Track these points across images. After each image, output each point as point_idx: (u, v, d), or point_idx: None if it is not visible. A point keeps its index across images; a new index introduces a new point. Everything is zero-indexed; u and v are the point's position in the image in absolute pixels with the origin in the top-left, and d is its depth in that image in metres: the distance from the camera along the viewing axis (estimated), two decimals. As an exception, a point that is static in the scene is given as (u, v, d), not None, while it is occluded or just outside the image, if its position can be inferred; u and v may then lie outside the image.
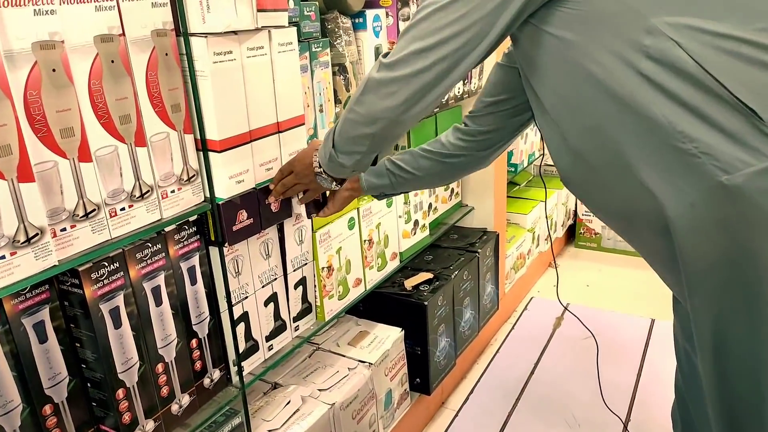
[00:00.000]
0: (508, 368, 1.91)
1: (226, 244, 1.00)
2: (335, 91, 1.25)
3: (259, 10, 0.92)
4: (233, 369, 1.07)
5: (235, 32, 0.92)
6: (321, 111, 1.20)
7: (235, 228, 0.99)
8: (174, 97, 0.88)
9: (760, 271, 0.66)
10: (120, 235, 0.84)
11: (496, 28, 0.73)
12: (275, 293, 1.16)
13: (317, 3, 1.15)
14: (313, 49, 1.15)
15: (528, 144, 2.33)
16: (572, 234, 2.85)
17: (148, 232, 0.87)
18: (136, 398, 0.89)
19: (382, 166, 1.09)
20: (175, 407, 0.97)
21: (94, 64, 0.77)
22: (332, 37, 1.23)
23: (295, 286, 1.21)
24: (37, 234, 0.72)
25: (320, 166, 0.96)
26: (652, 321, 2.11)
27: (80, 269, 0.80)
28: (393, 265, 1.54)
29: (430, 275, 1.62)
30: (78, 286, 0.81)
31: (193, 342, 0.99)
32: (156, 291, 0.91)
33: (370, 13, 1.30)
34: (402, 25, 1.39)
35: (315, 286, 1.27)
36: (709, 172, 0.65)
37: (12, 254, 0.70)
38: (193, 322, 0.99)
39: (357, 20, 1.30)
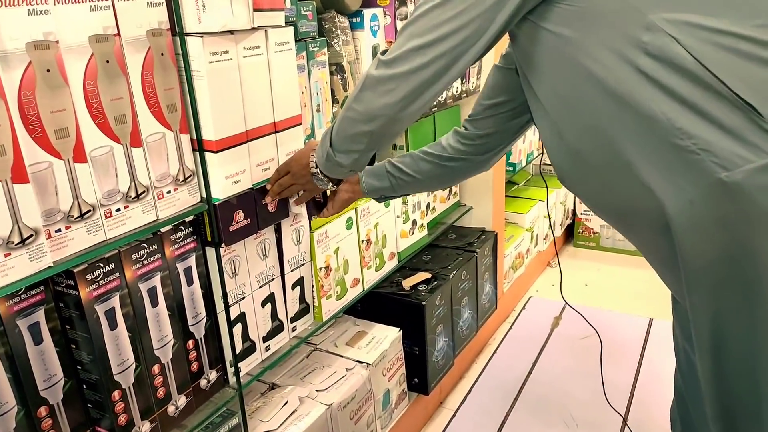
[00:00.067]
0: (506, 368, 1.91)
1: (223, 245, 0.99)
2: (332, 91, 1.25)
3: (255, 10, 0.91)
4: (230, 370, 1.07)
5: (231, 32, 0.91)
6: (318, 111, 1.20)
7: (231, 228, 0.99)
8: (170, 97, 0.88)
9: (759, 269, 0.66)
10: (115, 236, 0.83)
11: (495, 24, 0.73)
12: (272, 294, 1.16)
13: (314, 2, 1.14)
14: (310, 49, 1.14)
15: (526, 143, 2.33)
16: (571, 233, 2.85)
17: (143, 232, 0.87)
18: (132, 400, 0.89)
19: (382, 169, 1.09)
20: (171, 408, 0.96)
21: (89, 64, 0.77)
22: (329, 37, 1.22)
23: (293, 287, 1.21)
24: (31, 235, 0.72)
25: (317, 167, 0.96)
26: (651, 320, 2.11)
27: (75, 270, 0.80)
28: (391, 265, 1.54)
29: (428, 275, 1.62)
30: (73, 288, 0.81)
31: (190, 343, 0.99)
32: (152, 292, 0.90)
33: (367, 13, 1.29)
34: (400, 25, 1.38)
35: (313, 286, 1.26)
36: (708, 169, 0.65)
37: (6, 255, 0.70)
38: (189, 323, 0.98)
39: (354, 20, 1.29)
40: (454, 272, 1.67)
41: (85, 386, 0.87)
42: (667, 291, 0.88)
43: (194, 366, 1.00)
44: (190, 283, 0.97)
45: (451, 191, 1.92)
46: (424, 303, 1.50)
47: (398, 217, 1.54)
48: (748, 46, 0.64)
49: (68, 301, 0.82)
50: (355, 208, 1.36)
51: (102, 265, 0.83)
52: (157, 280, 0.91)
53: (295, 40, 1.07)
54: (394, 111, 0.79)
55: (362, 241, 1.41)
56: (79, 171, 0.77)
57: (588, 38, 0.70)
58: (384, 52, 0.80)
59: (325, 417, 1.22)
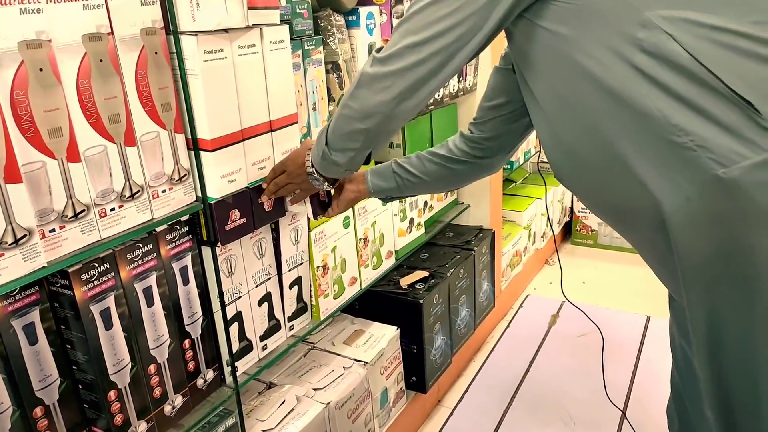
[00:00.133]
0: (503, 366, 1.91)
1: (219, 244, 0.99)
2: (328, 90, 1.24)
3: (249, 8, 0.91)
4: (227, 369, 1.07)
5: (225, 30, 0.91)
6: (314, 109, 1.20)
7: (227, 227, 0.99)
8: (164, 96, 0.87)
9: (756, 266, 0.65)
10: (110, 235, 0.83)
11: (490, 22, 0.73)
12: (269, 293, 1.15)
13: (310, 0, 1.14)
14: (306, 47, 1.14)
15: (524, 141, 2.32)
16: (568, 231, 2.85)
17: (138, 232, 0.86)
18: (128, 399, 0.89)
19: (388, 169, 1.08)
20: (167, 408, 0.96)
21: (83, 63, 0.76)
22: (325, 35, 1.22)
23: (290, 286, 1.21)
24: (25, 235, 0.72)
25: (312, 166, 0.96)
26: (648, 318, 2.11)
27: (70, 270, 0.79)
28: (389, 263, 1.54)
29: (425, 273, 1.61)
30: (68, 288, 0.80)
31: (186, 342, 0.99)
32: (147, 291, 0.90)
33: (363, 11, 1.29)
34: (396, 23, 1.38)
35: (310, 285, 1.26)
36: (705, 165, 0.65)
37: (0, 256, 0.70)
38: (185, 323, 0.98)
39: (350, 18, 1.29)
40: (452, 270, 1.66)
41: (80, 386, 0.86)
42: (665, 288, 0.88)
43: (191, 365, 1.00)
44: (185, 282, 0.97)
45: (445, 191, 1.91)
46: (421, 301, 1.50)
47: (396, 215, 1.54)
48: (744, 42, 0.64)
49: (63, 301, 0.82)
50: (353, 207, 1.35)
51: (97, 265, 0.82)
52: (152, 280, 0.91)
53: (291, 39, 1.07)
54: (390, 108, 0.79)
55: (360, 239, 1.40)
56: (73, 170, 0.77)
57: (584, 36, 0.70)
58: (379, 50, 0.79)
59: (322, 416, 1.21)
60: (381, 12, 1.36)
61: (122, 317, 0.86)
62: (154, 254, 0.91)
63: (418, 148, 1.66)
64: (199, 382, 1.02)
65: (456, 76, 1.70)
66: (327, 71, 1.23)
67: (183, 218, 0.95)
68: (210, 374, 1.04)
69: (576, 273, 2.50)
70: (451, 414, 1.71)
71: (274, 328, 1.18)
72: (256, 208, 1.04)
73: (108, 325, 0.85)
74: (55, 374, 0.82)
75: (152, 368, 0.93)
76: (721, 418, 0.75)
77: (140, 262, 0.89)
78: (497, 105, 0.99)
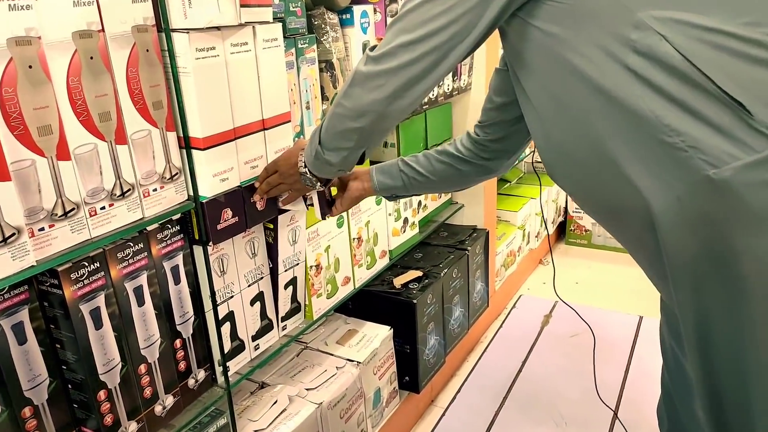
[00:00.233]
0: (496, 366, 1.91)
1: (211, 243, 0.98)
2: (322, 88, 1.24)
3: (242, 6, 0.90)
4: (218, 369, 1.06)
5: (218, 28, 0.90)
6: (308, 108, 1.19)
7: (219, 227, 0.98)
8: (156, 94, 0.87)
9: (744, 267, 0.66)
10: (100, 234, 0.82)
11: (484, 20, 0.73)
12: (261, 292, 1.15)
13: (303, -1, 1.14)
14: (299, 46, 1.14)
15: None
16: (562, 231, 2.85)
17: (129, 231, 0.86)
18: (118, 399, 0.88)
19: (395, 167, 1.08)
20: (158, 408, 0.96)
21: (73, 60, 0.76)
22: (319, 34, 1.22)
23: (285, 286, 1.20)
24: (13, 234, 0.71)
25: (305, 166, 0.95)
26: (641, 318, 2.12)
27: (59, 269, 0.79)
28: (382, 263, 1.54)
29: (419, 273, 1.61)
30: (57, 287, 0.80)
31: (177, 342, 0.98)
32: (138, 291, 0.90)
33: (357, 9, 1.28)
34: (390, 21, 1.38)
35: (303, 284, 1.26)
36: (696, 165, 0.65)
37: (-13, 254, 0.69)
38: (177, 322, 0.98)
39: (344, 16, 1.28)
40: (446, 270, 1.66)
41: (70, 386, 0.86)
42: (657, 289, 0.89)
43: (182, 365, 1.00)
44: (177, 281, 0.96)
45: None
46: (415, 301, 1.50)
47: (390, 215, 1.54)
48: (736, 43, 0.64)
49: (52, 301, 0.81)
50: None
51: (87, 264, 0.82)
52: (143, 279, 0.90)
53: (284, 37, 1.06)
54: (383, 107, 0.79)
55: (353, 239, 1.40)
56: (63, 169, 0.76)
57: (577, 36, 0.70)
58: (373, 48, 0.79)
59: (315, 416, 1.21)
60: (375, 11, 1.36)
61: (112, 317, 0.86)
62: (145, 253, 0.90)
63: (412, 147, 1.66)
64: (191, 382, 1.02)
65: (451, 76, 1.70)
66: (321, 70, 1.23)
67: (174, 217, 0.94)
68: (201, 374, 1.03)
69: (570, 273, 2.51)
70: (443, 414, 1.71)
71: (266, 328, 1.18)
72: (249, 207, 1.03)
73: (98, 324, 0.84)
74: (44, 374, 0.81)
75: (143, 368, 0.92)
76: (712, 418, 0.76)
77: (131, 261, 0.88)
78: (500, 106, 0.99)
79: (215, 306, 1.03)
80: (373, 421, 1.45)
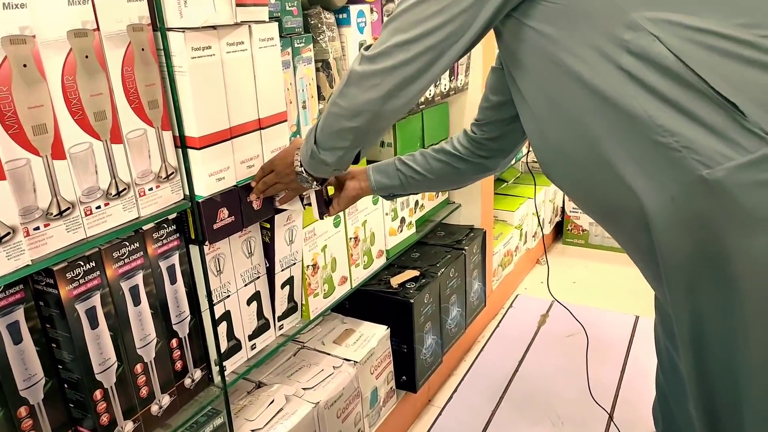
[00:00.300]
0: (492, 366, 1.91)
1: (207, 243, 0.98)
2: (318, 88, 1.24)
3: (238, 5, 0.90)
4: (215, 368, 1.06)
5: (214, 27, 0.90)
6: (304, 107, 1.19)
7: (215, 226, 0.98)
8: (151, 93, 0.87)
9: (737, 267, 0.66)
10: (96, 233, 0.82)
11: (479, 20, 0.73)
12: (258, 292, 1.15)
13: (300, -2, 1.14)
14: (296, 45, 1.13)
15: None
16: (560, 231, 2.86)
17: (125, 230, 0.86)
18: (114, 399, 0.88)
19: (392, 166, 1.08)
20: (154, 408, 0.95)
21: (68, 59, 0.76)
22: (315, 33, 1.21)
23: (282, 286, 1.20)
24: (9, 233, 0.71)
25: (301, 165, 0.95)
26: (637, 318, 2.12)
27: (55, 269, 0.79)
28: (379, 262, 1.54)
29: (416, 273, 1.61)
30: (53, 286, 0.79)
31: (173, 342, 0.98)
32: (134, 290, 0.89)
33: (354, 9, 1.28)
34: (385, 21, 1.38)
35: (300, 284, 1.26)
36: (690, 166, 0.65)
37: (-18, 254, 0.69)
38: (173, 322, 0.97)
39: (341, 16, 1.28)
40: (443, 270, 1.66)
41: (66, 386, 0.86)
42: (653, 288, 0.89)
43: (178, 365, 0.99)
44: (173, 281, 0.96)
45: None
46: (412, 301, 1.50)
47: (387, 214, 1.54)
48: (730, 45, 0.64)
49: (48, 300, 0.81)
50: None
51: (82, 264, 0.82)
52: (139, 279, 0.90)
53: (280, 36, 1.06)
54: (378, 106, 0.79)
55: (350, 238, 1.40)
56: (58, 168, 0.76)
57: (571, 36, 0.70)
58: (368, 48, 0.79)
59: (311, 415, 1.21)
60: (372, 10, 1.36)
61: (108, 316, 0.86)
62: (141, 253, 0.90)
63: (409, 147, 1.66)
64: (187, 381, 1.02)
65: (448, 76, 1.70)
66: (317, 69, 1.23)
67: (170, 216, 0.94)
68: (198, 374, 1.03)
69: (567, 273, 2.51)
70: (439, 413, 1.71)
71: (263, 328, 1.17)
72: (245, 206, 1.03)
73: (94, 324, 0.84)
74: (39, 373, 0.81)
75: (139, 368, 0.92)
76: (704, 418, 0.76)
77: (126, 260, 0.88)
78: (496, 105, 0.99)
79: (211, 305, 1.02)
80: (370, 421, 1.45)
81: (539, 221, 1.72)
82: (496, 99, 0.99)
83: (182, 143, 0.92)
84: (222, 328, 1.07)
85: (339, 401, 1.29)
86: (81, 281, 0.82)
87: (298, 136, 1.18)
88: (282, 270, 1.18)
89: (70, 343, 0.82)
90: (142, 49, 0.84)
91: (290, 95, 1.14)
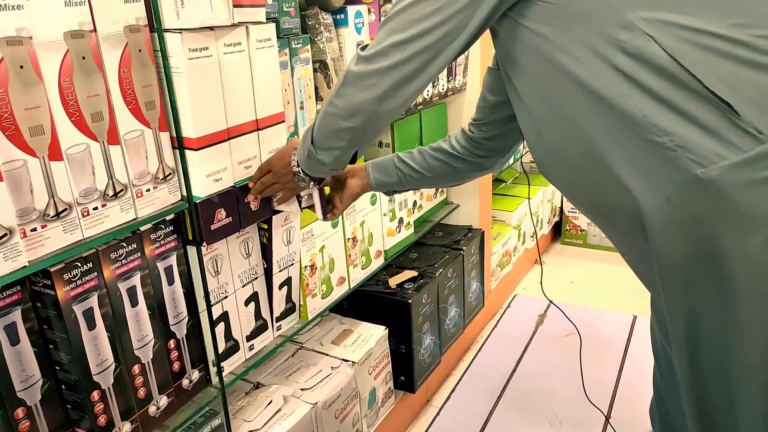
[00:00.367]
0: (490, 366, 1.91)
1: (204, 244, 0.98)
2: (316, 88, 1.24)
3: (235, 6, 0.90)
4: (213, 369, 1.06)
5: (211, 28, 0.91)
6: (302, 108, 1.19)
7: (213, 227, 0.98)
8: (148, 94, 0.87)
9: (731, 266, 0.66)
10: (93, 234, 0.82)
11: (475, 20, 0.73)
12: (256, 292, 1.15)
13: (297, -1, 1.14)
14: (293, 46, 1.14)
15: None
16: (558, 231, 2.86)
17: (122, 231, 0.86)
18: (111, 400, 0.88)
19: (390, 164, 1.09)
20: (152, 409, 0.95)
21: (65, 60, 0.76)
22: (313, 34, 1.22)
23: (280, 287, 1.20)
24: (6, 234, 0.71)
25: (298, 165, 0.95)
26: (635, 317, 2.12)
27: (52, 270, 0.79)
28: (377, 263, 1.54)
29: (414, 273, 1.61)
30: (50, 287, 0.79)
31: (171, 342, 0.98)
32: (131, 291, 0.89)
33: (351, 10, 1.28)
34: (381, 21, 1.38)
35: (298, 284, 1.26)
36: (685, 165, 0.65)
37: (-21, 255, 0.69)
38: (170, 323, 0.97)
39: (338, 16, 1.28)
40: (441, 270, 1.67)
41: (63, 387, 0.86)
42: (651, 288, 0.89)
43: (176, 366, 0.99)
44: (171, 282, 0.96)
45: (437, 189, 1.92)
46: (410, 301, 1.50)
47: (385, 215, 1.54)
48: (724, 44, 0.64)
49: (45, 301, 0.81)
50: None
51: (79, 265, 0.82)
52: (136, 280, 0.90)
53: (278, 37, 1.06)
54: (375, 106, 0.79)
55: (348, 239, 1.40)
56: (55, 169, 0.76)
57: (566, 36, 0.70)
58: (364, 47, 0.79)
59: (309, 416, 1.21)
60: (369, 11, 1.36)
61: (106, 317, 0.86)
62: (138, 254, 0.90)
63: (407, 147, 1.65)
64: (185, 382, 1.02)
65: (446, 76, 1.70)
66: (315, 70, 1.23)
67: (168, 217, 0.94)
68: (195, 374, 1.03)
69: (565, 273, 2.51)
70: (437, 414, 1.71)
71: (261, 328, 1.18)
72: (243, 207, 1.03)
73: (91, 325, 0.84)
74: (37, 375, 0.81)
75: (136, 369, 0.92)
76: (698, 418, 0.76)
77: (124, 261, 0.88)
78: (493, 105, 1.00)
79: (209, 306, 1.03)
80: (368, 421, 1.45)
81: (533, 223, 1.72)
82: (493, 99, 0.99)
83: (179, 144, 0.92)
84: (220, 328, 1.07)
85: (337, 402, 1.29)
86: (78, 282, 0.82)
87: (295, 136, 1.18)
88: (280, 270, 1.18)
89: (67, 344, 0.82)
90: (139, 50, 0.84)
91: (288, 96, 1.15)
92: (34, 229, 0.75)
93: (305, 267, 1.26)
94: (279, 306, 1.21)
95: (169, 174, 0.92)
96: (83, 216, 0.81)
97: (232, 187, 1.01)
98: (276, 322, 1.21)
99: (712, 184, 0.64)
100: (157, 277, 0.94)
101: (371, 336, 1.45)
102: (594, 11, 0.68)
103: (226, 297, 1.08)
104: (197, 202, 0.95)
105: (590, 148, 0.72)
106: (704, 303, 0.70)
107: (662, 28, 0.65)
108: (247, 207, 1.04)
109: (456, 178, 1.11)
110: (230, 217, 1.01)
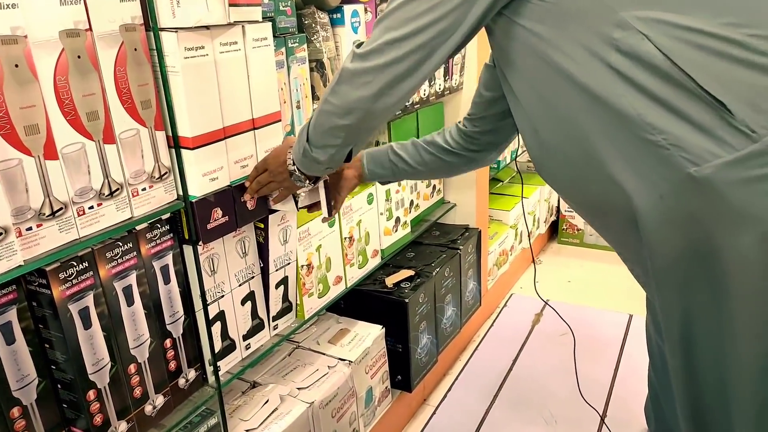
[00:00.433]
0: (486, 365, 1.91)
1: (201, 243, 0.98)
2: (313, 88, 1.24)
3: (231, 5, 0.90)
4: (209, 368, 1.06)
5: (207, 27, 0.90)
6: (298, 107, 1.19)
7: (209, 226, 0.98)
8: (144, 93, 0.87)
9: (725, 265, 0.66)
10: (89, 234, 0.82)
11: (469, 18, 0.73)
12: (252, 292, 1.15)
13: (293, -2, 1.14)
14: (290, 45, 1.14)
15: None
16: (555, 230, 2.86)
17: (118, 230, 0.86)
18: (107, 399, 0.88)
19: (385, 156, 1.10)
20: (148, 408, 0.95)
21: (60, 59, 0.76)
22: (309, 33, 1.22)
23: (277, 286, 1.20)
24: (0, 233, 0.71)
25: (294, 164, 0.95)
26: (630, 316, 2.13)
27: (47, 269, 0.78)
28: (374, 262, 1.54)
29: (411, 272, 1.62)
30: (46, 287, 0.79)
31: (167, 342, 0.98)
32: (127, 290, 0.89)
33: (348, 9, 1.29)
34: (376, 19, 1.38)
35: (295, 284, 1.26)
36: (678, 163, 0.66)
37: (-26, 254, 0.69)
38: (166, 322, 0.97)
39: (335, 15, 1.29)
40: (438, 269, 1.67)
41: (59, 386, 0.85)
42: (646, 287, 0.89)
43: (172, 365, 0.99)
44: (167, 281, 0.96)
45: (434, 188, 1.92)
46: (407, 300, 1.50)
47: (381, 214, 1.54)
48: (717, 43, 0.65)
49: (41, 300, 0.81)
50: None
51: (75, 264, 0.82)
52: (132, 279, 0.90)
53: (274, 36, 1.06)
54: (370, 104, 0.79)
55: (345, 238, 1.40)
56: (50, 168, 0.76)
57: (561, 35, 0.70)
58: (359, 45, 0.79)
59: (306, 415, 1.21)
60: (366, 10, 1.36)
61: (101, 316, 0.86)
62: (134, 253, 0.90)
63: (403, 147, 1.66)
64: (181, 381, 1.02)
65: (442, 75, 1.70)
66: (311, 69, 1.23)
67: (164, 216, 0.94)
68: (192, 374, 1.03)
69: (562, 272, 2.52)
70: (434, 413, 1.71)
71: (257, 327, 1.18)
72: (239, 206, 1.03)
73: (87, 324, 0.84)
74: (33, 374, 0.81)
75: (132, 368, 0.92)
76: (692, 418, 0.76)
77: (120, 260, 0.88)
78: (488, 101, 1.01)
79: (205, 305, 1.03)
80: (365, 420, 1.45)
81: (526, 223, 1.73)
82: (489, 95, 0.99)
83: (175, 143, 0.92)
84: (216, 328, 1.07)
85: (334, 401, 1.29)
86: (74, 281, 0.82)
87: (292, 135, 1.19)
88: (276, 270, 1.18)
89: (63, 343, 0.82)
90: (135, 49, 0.84)
91: (284, 95, 1.15)
92: (30, 229, 0.75)
93: (302, 266, 1.26)
94: (275, 305, 1.21)
95: (165, 173, 0.92)
96: (79, 215, 0.80)
97: (228, 186, 1.01)
98: (272, 321, 1.21)
99: (706, 182, 0.64)
100: (153, 276, 0.94)
101: (368, 335, 1.45)
102: (588, 10, 0.68)
103: (223, 296, 1.08)
104: (193, 201, 0.95)
105: (585, 146, 0.73)
106: (698, 302, 0.70)
107: (656, 26, 0.65)
108: (243, 206, 1.04)
109: (449, 171, 1.14)
110: (226, 217, 1.01)
